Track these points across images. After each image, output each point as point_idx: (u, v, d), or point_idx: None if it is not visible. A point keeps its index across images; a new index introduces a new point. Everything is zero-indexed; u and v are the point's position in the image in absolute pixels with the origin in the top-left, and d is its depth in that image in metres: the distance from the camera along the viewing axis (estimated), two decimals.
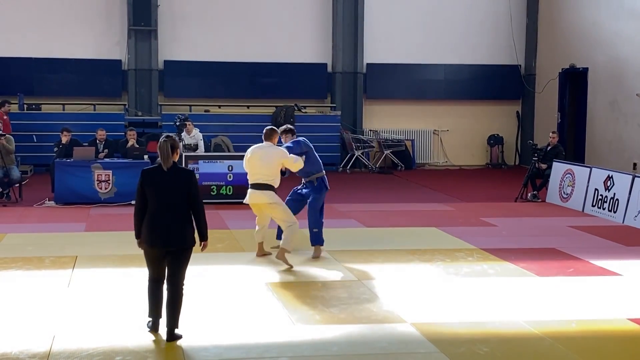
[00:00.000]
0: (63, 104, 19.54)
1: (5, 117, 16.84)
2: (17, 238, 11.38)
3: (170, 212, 6.89)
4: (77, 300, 8.25)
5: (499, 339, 7.22)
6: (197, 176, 14.01)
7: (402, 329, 7.42)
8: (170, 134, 7.24)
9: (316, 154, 10.40)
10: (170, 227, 6.87)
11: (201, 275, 9.13)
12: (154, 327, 7.13)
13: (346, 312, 7.91)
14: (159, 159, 7.08)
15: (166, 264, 6.99)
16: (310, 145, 10.36)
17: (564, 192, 15.07)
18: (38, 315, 7.73)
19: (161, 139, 7.03)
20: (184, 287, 7.01)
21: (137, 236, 7.08)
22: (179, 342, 6.94)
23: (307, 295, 8.53)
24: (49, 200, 14.38)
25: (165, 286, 7.05)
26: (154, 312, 7.12)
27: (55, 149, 15.15)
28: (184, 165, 13.94)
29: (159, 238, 6.88)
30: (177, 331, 6.97)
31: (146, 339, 7.03)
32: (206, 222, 7.10)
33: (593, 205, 14.20)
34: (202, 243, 7.10)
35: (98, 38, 19.94)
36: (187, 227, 6.93)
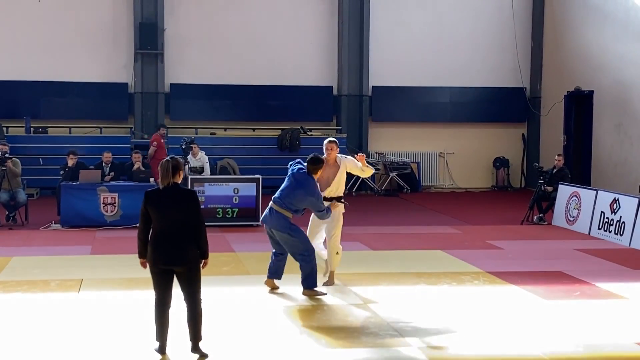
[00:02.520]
0: (69, 127, 19.62)
1: (162, 141, 17.43)
2: (23, 261, 11.38)
3: (173, 231, 6.98)
4: (82, 324, 8.23)
5: None
6: (203, 199, 14.19)
7: (408, 353, 7.38)
8: (175, 157, 7.32)
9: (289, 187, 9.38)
10: (173, 246, 6.97)
11: (207, 299, 9.12)
12: (161, 351, 7.15)
13: (352, 336, 7.88)
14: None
15: (173, 284, 7.09)
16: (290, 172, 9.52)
17: (570, 215, 15.04)
18: (43, 339, 7.71)
19: (165, 159, 7.18)
20: (201, 303, 7.12)
21: (140, 256, 7.17)
22: None
23: (312, 319, 8.51)
24: (55, 223, 14.40)
25: (185, 306, 7.15)
26: (160, 337, 7.15)
27: (62, 172, 15.19)
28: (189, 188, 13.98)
29: (161, 256, 6.99)
30: (202, 347, 7.09)
31: None
32: (207, 241, 7.15)
33: (599, 228, 14.16)
34: (203, 261, 7.15)
35: (105, 61, 20.05)
36: (190, 246, 7.02)
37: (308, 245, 9.37)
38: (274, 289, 9.63)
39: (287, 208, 9.19)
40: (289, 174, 9.48)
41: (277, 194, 9.36)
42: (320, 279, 9.71)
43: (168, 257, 6.98)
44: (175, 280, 7.16)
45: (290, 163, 9.79)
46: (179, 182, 7.15)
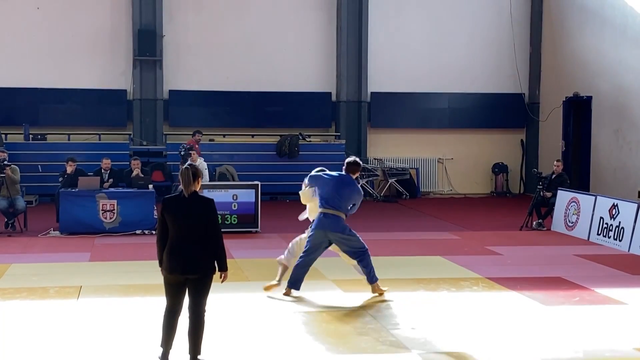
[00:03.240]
0: (68, 134, 19.62)
1: (197, 146, 17.50)
2: (21, 268, 11.38)
3: (190, 239, 6.91)
4: (81, 331, 8.22)
5: None
6: None
7: (407, 359, 7.37)
8: (192, 163, 7.29)
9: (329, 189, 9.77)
10: (190, 254, 6.89)
11: (208, 305, 9.13)
12: (163, 358, 7.07)
13: (351, 342, 7.87)
14: (180, 186, 7.09)
15: (186, 293, 7.00)
16: (321, 178, 9.95)
17: (569, 221, 15.05)
18: (42, 346, 7.70)
19: (183, 167, 7.10)
20: (205, 315, 7.03)
21: (160, 264, 7.06)
22: None
23: (311, 326, 8.50)
24: (53, 230, 14.39)
25: (187, 315, 7.03)
26: (165, 343, 7.06)
27: (60, 179, 15.18)
28: None
29: (178, 265, 6.89)
30: (200, 358, 7.01)
31: None
32: (225, 251, 7.07)
33: (598, 234, 14.17)
34: (222, 274, 7.07)
35: (103, 68, 20.06)
36: (207, 255, 6.95)
37: (363, 242, 9.74)
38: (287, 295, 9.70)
39: (339, 209, 9.57)
40: (326, 179, 9.87)
41: (320, 201, 9.72)
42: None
43: (184, 265, 6.89)
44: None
45: (316, 170, 10.22)
46: (198, 190, 7.08)
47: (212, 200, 7.14)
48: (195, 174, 7.01)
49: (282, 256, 10.17)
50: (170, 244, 6.95)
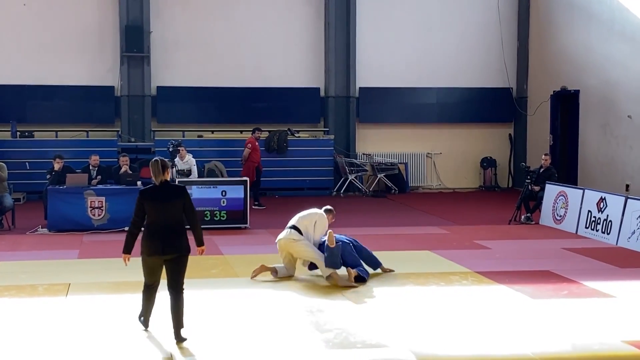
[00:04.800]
0: (56, 131, 19.54)
1: (257, 144, 17.80)
2: (9, 266, 11.34)
3: (167, 224, 7.69)
4: (70, 328, 8.20)
5: None
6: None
7: (397, 353, 7.39)
8: (160, 158, 8.03)
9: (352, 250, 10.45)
10: (167, 237, 7.66)
11: (199, 302, 9.13)
12: (144, 323, 7.99)
13: (341, 337, 7.88)
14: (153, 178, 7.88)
15: (165, 271, 7.77)
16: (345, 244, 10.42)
17: (557, 214, 15.10)
18: (31, 343, 7.68)
19: (153, 160, 7.91)
20: (184, 291, 7.75)
21: (125, 251, 7.90)
22: None
23: (301, 321, 8.51)
24: (41, 228, 14.34)
25: (168, 292, 7.77)
26: (145, 311, 8.00)
27: (48, 176, 15.11)
28: None
29: (158, 248, 7.65)
30: (183, 333, 7.67)
31: None
32: (201, 230, 7.97)
33: (586, 227, 14.23)
34: (200, 248, 7.97)
35: (90, 65, 19.98)
36: (182, 237, 7.74)
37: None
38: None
39: None
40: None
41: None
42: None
43: (163, 247, 7.64)
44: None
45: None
46: (168, 179, 7.87)
47: (184, 186, 8.08)
48: (165, 165, 7.83)
49: (279, 266, 10.50)
50: (149, 230, 7.74)
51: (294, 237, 10.36)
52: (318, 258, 10.24)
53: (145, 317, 7.99)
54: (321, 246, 10.36)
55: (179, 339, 7.62)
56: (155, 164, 7.83)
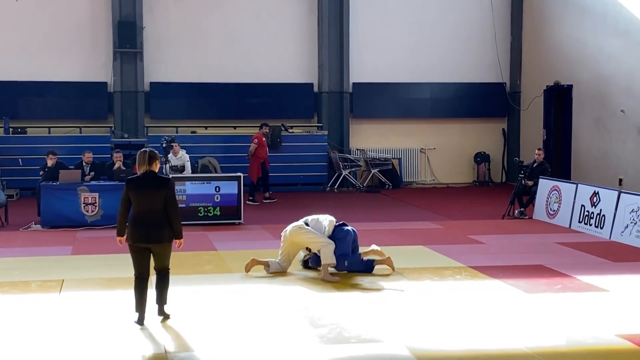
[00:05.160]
0: (49, 127, 19.49)
1: (264, 139, 17.79)
2: (2, 262, 11.30)
3: (150, 212, 7.99)
4: (64, 325, 8.18)
5: (488, 356, 7.21)
6: (184, 198, 14.15)
7: (391, 349, 7.40)
8: (151, 148, 8.31)
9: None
10: (150, 225, 7.97)
11: (193, 297, 9.13)
12: (140, 322, 8.00)
13: (335, 332, 7.88)
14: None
15: (150, 259, 8.09)
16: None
17: (551, 209, 15.12)
18: (25, 340, 7.66)
19: (141, 150, 8.19)
20: (169, 272, 8.19)
21: (119, 234, 8.24)
22: None
23: (294, 316, 8.50)
24: (35, 224, 14.30)
25: (155, 276, 8.19)
26: (139, 308, 8.06)
27: (41, 173, 15.09)
28: None
29: (142, 235, 7.97)
30: (166, 309, 8.16)
31: None
32: (180, 222, 8.12)
33: (580, 222, 14.25)
34: (177, 241, 8.14)
35: (83, 61, 19.93)
36: (164, 226, 8.01)
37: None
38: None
39: None
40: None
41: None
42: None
43: (146, 236, 7.96)
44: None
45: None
46: (156, 171, 8.12)
47: (169, 178, 8.36)
48: (152, 156, 8.08)
49: (272, 260, 10.51)
50: (133, 217, 8.05)
51: (301, 226, 10.41)
52: (326, 244, 10.19)
53: (140, 314, 8.06)
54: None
55: (162, 315, 8.12)
56: (142, 154, 8.10)
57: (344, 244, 10.31)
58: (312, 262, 10.55)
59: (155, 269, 8.18)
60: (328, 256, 10.16)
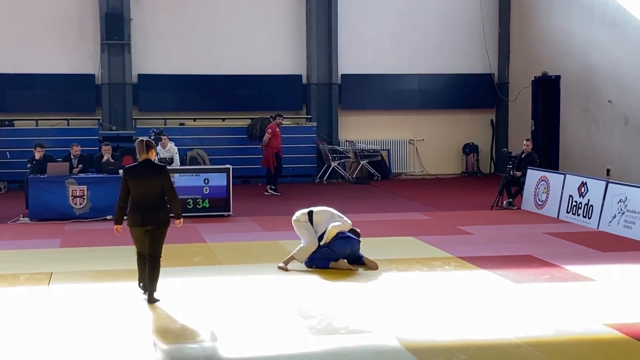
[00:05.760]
0: (36, 120, 19.41)
1: (277, 130, 17.80)
2: None
3: (146, 199, 8.58)
4: (53, 317, 8.17)
5: (477, 346, 7.23)
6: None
7: (380, 339, 7.42)
8: (146, 139, 8.90)
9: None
10: (147, 211, 8.56)
11: (182, 289, 9.13)
12: (144, 288, 8.76)
13: (324, 323, 7.89)
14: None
15: (148, 240, 8.63)
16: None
17: (539, 199, 15.17)
18: (14, 332, 7.65)
19: (138, 139, 8.80)
20: (159, 260, 8.67)
21: (117, 222, 8.82)
22: (158, 358, 6.90)
23: (284, 308, 8.51)
24: (23, 217, 14.26)
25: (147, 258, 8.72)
26: (142, 277, 8.83)
27: (29, 165, 15.04)
28: None
29: (138, 219, 8.58)
30: (155, 295, 8.62)
31: (122, 356, 6.98)
32: (179, 204, 8.84)
33: (568, 212, 14.31)
34: (178, 221, 8.80)
35: (71, 53, 19.84)
36: (161, 211, 8.62)
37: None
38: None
39: None
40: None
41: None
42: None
43: (143, 220, 8.55)
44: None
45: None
46: (152, 159, 8.74)
47: (164, 165, 9.00)
48: (149, 145, 8.71)
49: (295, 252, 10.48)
50: (132, 203, 8.64)
51: (299, 218, 10.43)
52: (307, 243, 10.25)
53: (143, 282, 8.82)
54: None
55: (151, 300, 8.57)
56: (140, 143, 8.74)
57: (328, 252, 10.24)
58: (316, 263, 10.44)
59: (148, 254, 8.64)
60: (302, 253, 10.23)
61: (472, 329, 7.72)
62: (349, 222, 10.55)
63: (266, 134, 17.84)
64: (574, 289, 9.31)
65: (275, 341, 7.39)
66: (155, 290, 8.65)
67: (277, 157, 17.84)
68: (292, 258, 10.31)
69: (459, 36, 21.63)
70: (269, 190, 17.67)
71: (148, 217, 8.56)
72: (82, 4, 19.88)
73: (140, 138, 8.89)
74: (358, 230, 10.68)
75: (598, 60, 18.07)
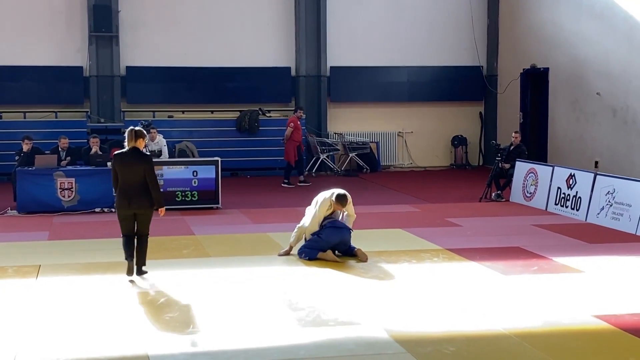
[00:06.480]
0: (24, 112, 19.32)
1: (299, 123, 17.99)
2: None
3: (132, 184, 9.19)
4: (40, 310, 8.14)
5: (465, 338, 7.25)
6: (162, 182, 14.10)
7: (369, 331, 7.43)
8: (141, 128, 9.45)
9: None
10: (132, 195, 9.18)
11: (171, 281, 9.12)
12: (129, 267, 9.24)
13: (313, 315, 7.90)
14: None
15: (134, 223, 9.27)
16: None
17: (528, 191, 15.22)
18: (1, 325, 7.62)
19: (129, 128, 9.38)
20: (148, 237, 9.38)
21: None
22: (147, 350, 6.89)
23: (274, 300, 8.51)
24: (11, 210, 14.20)
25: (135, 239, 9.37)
26: (128, 256, 9.27)
27: (17, 158, 14.97)
28: None
29: (124, 202, 9.21)
30: (144, 268, 9.32)
31: (112, 349, 6.97)
32: (159, 192, 9.35)
33: (556, 204, 14.35)
34: (160, 210, 9.36)
35: (58, 45, 19.73)
36: (145, 196, 9.21)
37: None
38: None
39: None
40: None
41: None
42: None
43: (129, 203, 9.17)
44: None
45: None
46: (140, 148, 9.27)
47: (149, 155, 9.61)
48: (138, 134, 9.23)
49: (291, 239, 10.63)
50: (120, 188, 9.24)
51: (312, 206, 10.56)
52: (301, 224, 10.46)
53: (129, 261, 9.28)
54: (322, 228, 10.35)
55: (140, 273, 9.26)
56: (130, 131, 9.28)
57: (317, 241, 10.28)
58: (305, 252, 10.40)
59: (136, 233, 9.30)
60: (295, 235, 10.49)
61: (460, 321, 7.74)
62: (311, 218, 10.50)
63: (288, 127, 17.94)
64: (562, 281, 9.35)
65: (264, 333, 7.39)
66: (144, 264, 9.31)
67: (299, 150, 17.97)
68: (289, 249, 10.48)
69: (448, 29, 21.63)
70: (296, 182, 17.91)
71: (134, 201, 9.16)
72: None
73: (132, 127, 9.41)
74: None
75: (586, 52, 18.11)
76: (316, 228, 10.32)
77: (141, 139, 9.29)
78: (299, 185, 17.80)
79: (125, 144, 9.33)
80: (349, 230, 10.46)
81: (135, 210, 9.22)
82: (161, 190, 13.88)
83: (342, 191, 10.55)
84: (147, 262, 9.39)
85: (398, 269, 9.85)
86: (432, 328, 7.53)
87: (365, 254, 10.31)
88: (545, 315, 7.93)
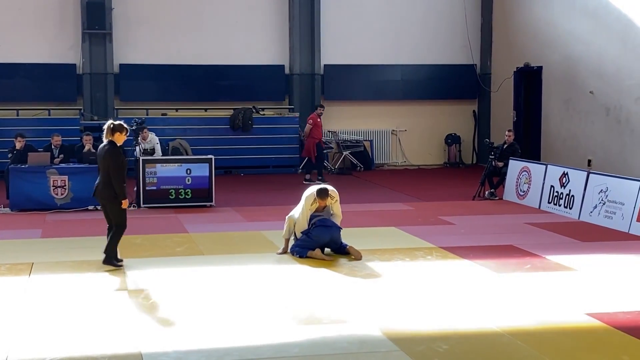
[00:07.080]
0: (17, 110, 19.26)
1: (318, 120, 18.03)
2: None
3: (101, 176, 9.66)
4: (33, 308, 8.13)
5: (459, 336, 7.26)
6: (155, 180, 14.08)
7: (362, 329, 7.43)
8: (121, 123, 9.70)
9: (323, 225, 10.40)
10: (98, 186, 9.70)
11: (164, 279, 9.10)
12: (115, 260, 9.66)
13: (307, 313, 7.90)
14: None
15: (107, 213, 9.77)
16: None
17: (521, 190, 15.24)
18: None
19: (109, 121, 9.74)
20: (120, 229, 9.66)
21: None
22: (140, 348, 6.88)
23: (267, 298, 8.51)
24: (3, 207, 14.16)
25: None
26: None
27: (10, 155, 14.93)
28: (141, 169, 14.31)
29: (95, 194, 9.81)
30: (105, 257, 9.62)
31: (105, 347, 6.96)
32: (119, 185, 9.51)
33: (549, 202, 14.38)
34: (122, 201, 9.57)
35: (52, 42, 19.68)
36: (106, 188, 9.58)
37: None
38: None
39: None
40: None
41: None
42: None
43: (95, 192, 9.77)
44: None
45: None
46: (117, 143, 9.53)
47: (110, 149, 9.55)
48: (114, 129, 9.51)
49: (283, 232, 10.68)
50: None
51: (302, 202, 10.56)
52: (290, 214, 10.51)
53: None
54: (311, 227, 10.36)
55: (104, 261, 9.57)
56: (108, 125, 9.62)
57: (307, 240, 10.30)
58: (296, 250, 10.44)
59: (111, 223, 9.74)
60: (286, 227, 10.53)
61: (453, 319, 7.75)
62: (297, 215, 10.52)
63: (307, 124, 18.08)
64: (555, 279, 9.37)
65: (257, 330, 7.38)
66: (106, 252, 9.61)
67: (319, 146, 18.03)
68: (285, 247, 10.53)
69: (441, 27, 21.64)
70: (306, 179, 17.92)
71: (98, 191, 9.71)
72: None
73: (111, 121, 9.72)
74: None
75: (580, 51, 18.14)
76: (305, 225, 10.32)
77: (118, 133, 9.54)
78: (304, 184, 17.76)
79: (103, 137, 9.68)
80: (338, 228, 10.46)
81: (99, 201, 9.82)
82: (154, 188, 14.13)
83: (324, 186, 10.60)
84: (141, 259, 9.40)
85: (391, 267, 9.86)
86: (425, 326, 7.54)
87: (358, 251, 10.31)
88: (539, 313, 7.95)
